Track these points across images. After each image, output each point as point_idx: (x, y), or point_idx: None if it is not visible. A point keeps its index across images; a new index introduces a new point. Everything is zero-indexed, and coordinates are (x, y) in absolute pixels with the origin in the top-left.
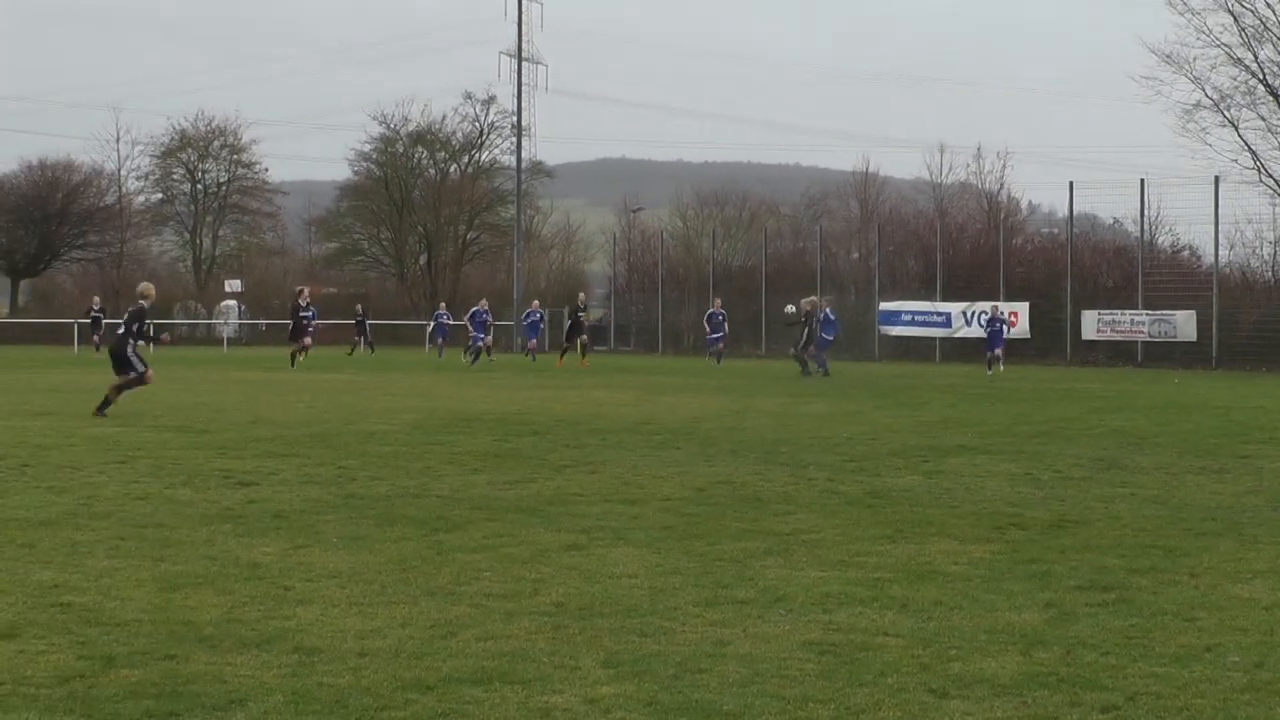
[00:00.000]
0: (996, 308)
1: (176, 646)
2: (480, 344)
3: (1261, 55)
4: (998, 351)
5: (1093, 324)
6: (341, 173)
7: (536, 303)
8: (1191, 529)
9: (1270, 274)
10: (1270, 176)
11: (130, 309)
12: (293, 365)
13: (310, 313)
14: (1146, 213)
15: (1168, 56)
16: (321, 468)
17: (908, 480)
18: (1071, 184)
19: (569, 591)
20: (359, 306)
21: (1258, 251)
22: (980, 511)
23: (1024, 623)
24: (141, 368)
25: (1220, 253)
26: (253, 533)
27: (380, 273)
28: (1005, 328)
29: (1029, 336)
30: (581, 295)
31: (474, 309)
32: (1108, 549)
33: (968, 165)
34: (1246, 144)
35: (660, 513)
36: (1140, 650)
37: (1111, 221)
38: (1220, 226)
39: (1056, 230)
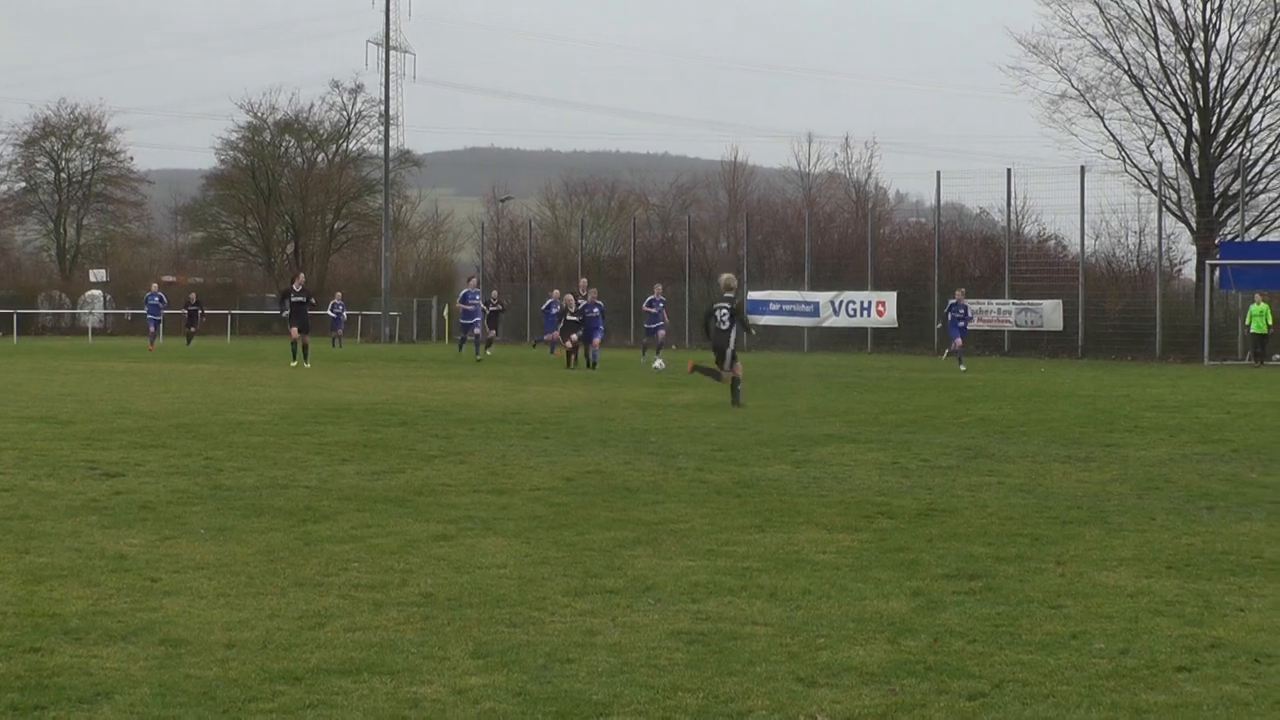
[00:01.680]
0: (962, 293)
1: (41, 639)
2: (476, 331)
3: (1127, 46)
4: (958, 342)
5: None
6: (208, 161)
7: (475, 280)
8: (1057, 517)
9: (1135, 263)
10: (1135, 167)
11: None
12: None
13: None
14: (1013, 202)
15: (1034, 47)
16: (188, 459)
17: (776, 469)
18: (939, 173)
19: (437, 582)
20: (192, 295)
21: (1123, 241)
22: (848, 500)
23: (892, 611)
24: None
25: (1086, 242)
26: (119, 524)
27: (247, 262)
28: (969, 315)
29: (896, 326)
30: (495, 291)
31: (465, 290)
32: (975, 537)
33: (836, 155)
34: (1112, 134)
35: (529, 503)
36: (1007, 638)
37: (978, 211)
38: (1086, 216)
39: (924, 220)
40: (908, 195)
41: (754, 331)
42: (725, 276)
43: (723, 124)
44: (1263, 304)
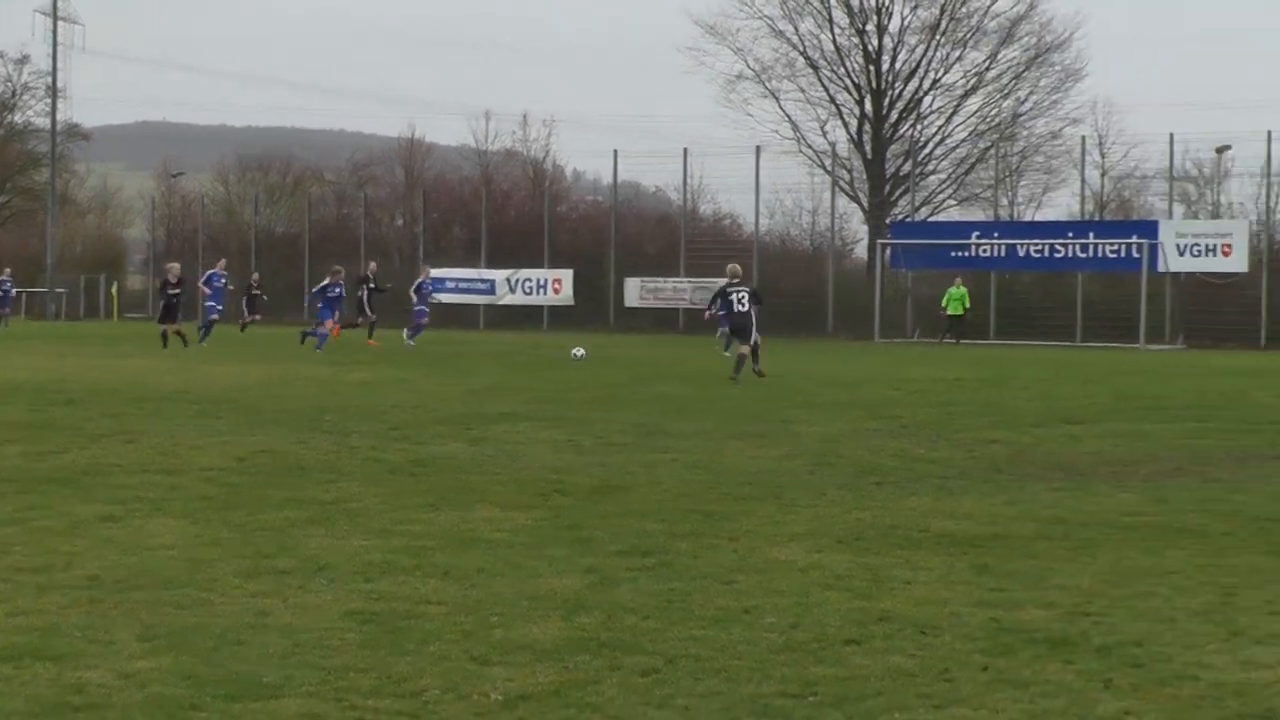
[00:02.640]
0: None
1: None
2: (214, 317)
3: (802, 28)
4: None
5: (635, 291)
6: None
7: (223, 261)
8: (731, 493)
9: (809, 242)
10: (810, 147)
11: None
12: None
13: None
14: (689, 181)
15: (711, 28)
16: None
17: (452, 448)
18: (615, 152)
19: (104, 564)
20: None
21: (797, 220)
22: (524, 478)
23: (566, 588)
24: None
25: (761, 221)
26: None
27: None
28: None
29: (573, 304)
30: (373, 264)
31: (210, 272)
32: (649, 514)
33: (513, 133)
34: (787, 115)
35: (200, 483)
36: (680, 613)
37: (655, 190)
38: (761, 195)
39: (601, 198)
40: (585, 173)
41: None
42: (732, 266)
43: (399, 100)
44: (961, 287)
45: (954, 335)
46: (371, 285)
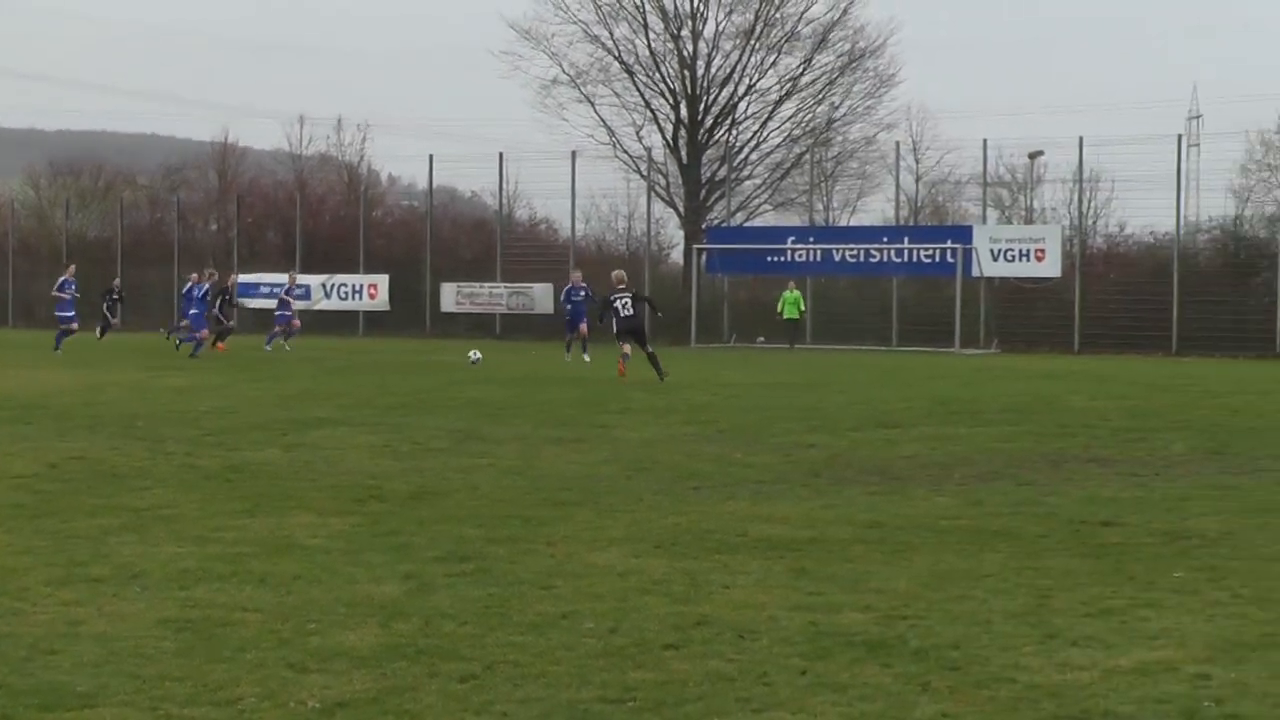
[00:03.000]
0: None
1: None
2: (74, 325)
3: (617, 33)
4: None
5: (452, 296)
6: None
7: (73, 268)
8: (549, 499)
9: (625, 247)
10: (625, 152)
11: None
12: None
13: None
14: (506, 186)
15: (527, 32)
16: None
17: (268, 454)
18: (431, 157)
19: None
20: None
21: (613, 225)
22: (340, 484)
23: (383, 594)
24: None
25: (577, 226)
26: None
27: None
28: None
29: (389, 309)
30: (116, 280)
31: (61, 279)
32: (467, 519)
33: (328, 137)
34: (603, 120)
35: (11, 490)
36: (498, 619)
37: (471, 195)
38: (577, 200)
39: (417, 203)
40: (401, 178)
41: (660, 314)
42: (616, 273)
43: (212, 104)
44: (795, 290)
45: (789, 340)
46: (226, 296)
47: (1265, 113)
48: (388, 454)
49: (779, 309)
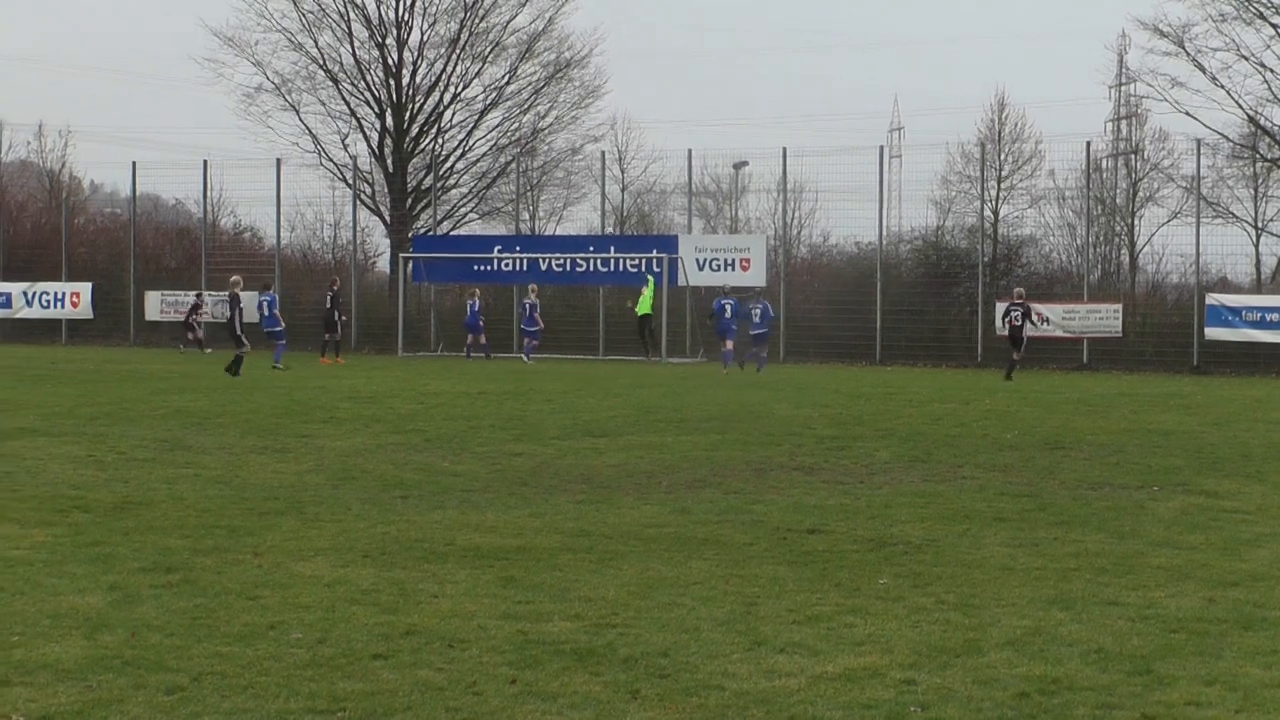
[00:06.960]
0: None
1: None
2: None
3: (321, 41)
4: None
5: (156, 305)
6: None
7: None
8: (254, 508)
9: (331, 256)
10: (331, 160)
11: None
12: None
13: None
14: (210, 193)
15: (230, 39)
16: None
17: None
18: (134, 164)
19: None
20: None
21: (319, 233)
22: (42, 495)
23: (88, 606)
24: None
25: (282, 234)
26: None
27: None
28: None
29: (92, 317)
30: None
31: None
32: (171, 530)
33: (29, 143)
34: (308, 128)
35: None
36: (205, 630)
37: (174, 202)
38: (282, 208)
39: (120, 211)
40: (104, 185)
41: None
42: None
43: None
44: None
45: (642, 335)
46: None
47: (965, 124)
48: (91, 464)
49: (635, 306)
